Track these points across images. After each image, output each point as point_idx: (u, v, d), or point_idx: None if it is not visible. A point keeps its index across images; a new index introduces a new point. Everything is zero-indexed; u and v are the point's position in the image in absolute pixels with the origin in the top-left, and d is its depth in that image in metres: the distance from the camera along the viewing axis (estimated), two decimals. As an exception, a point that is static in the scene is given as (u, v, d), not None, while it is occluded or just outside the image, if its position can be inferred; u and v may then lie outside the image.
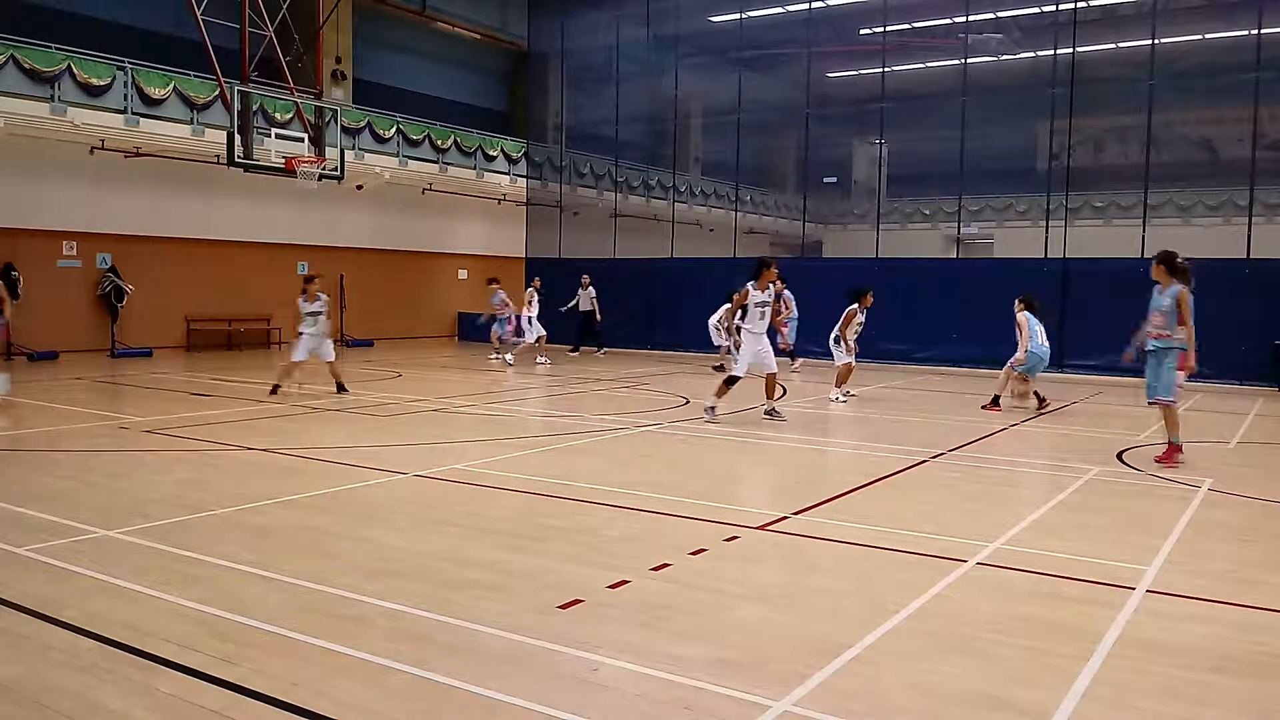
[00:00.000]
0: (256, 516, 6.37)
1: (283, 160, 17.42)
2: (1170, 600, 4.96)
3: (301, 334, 13.00)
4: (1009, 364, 13.19)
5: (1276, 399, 15.43)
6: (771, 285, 11.41)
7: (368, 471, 7.96)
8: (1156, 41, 19.11)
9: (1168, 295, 8.85)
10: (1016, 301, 13.45)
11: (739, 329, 11.53)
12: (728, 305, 18.36)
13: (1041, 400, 13.17)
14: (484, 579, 5.06)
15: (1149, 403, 9.31)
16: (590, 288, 22.22)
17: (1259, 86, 17.97)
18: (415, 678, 3.76)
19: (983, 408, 13.04)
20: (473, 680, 3.73)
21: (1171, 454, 9.06)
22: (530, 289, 20.32)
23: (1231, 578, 5.38)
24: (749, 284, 11.26)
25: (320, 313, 13.04)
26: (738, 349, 11.62)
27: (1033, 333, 12.97)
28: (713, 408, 11.31)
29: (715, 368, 18.26)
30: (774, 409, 11.47)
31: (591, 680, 3.79)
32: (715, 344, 18.55)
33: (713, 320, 18.23)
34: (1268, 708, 3.72)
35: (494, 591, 4.86)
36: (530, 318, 19.63)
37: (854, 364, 14.20)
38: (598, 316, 21.96)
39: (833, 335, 14.03)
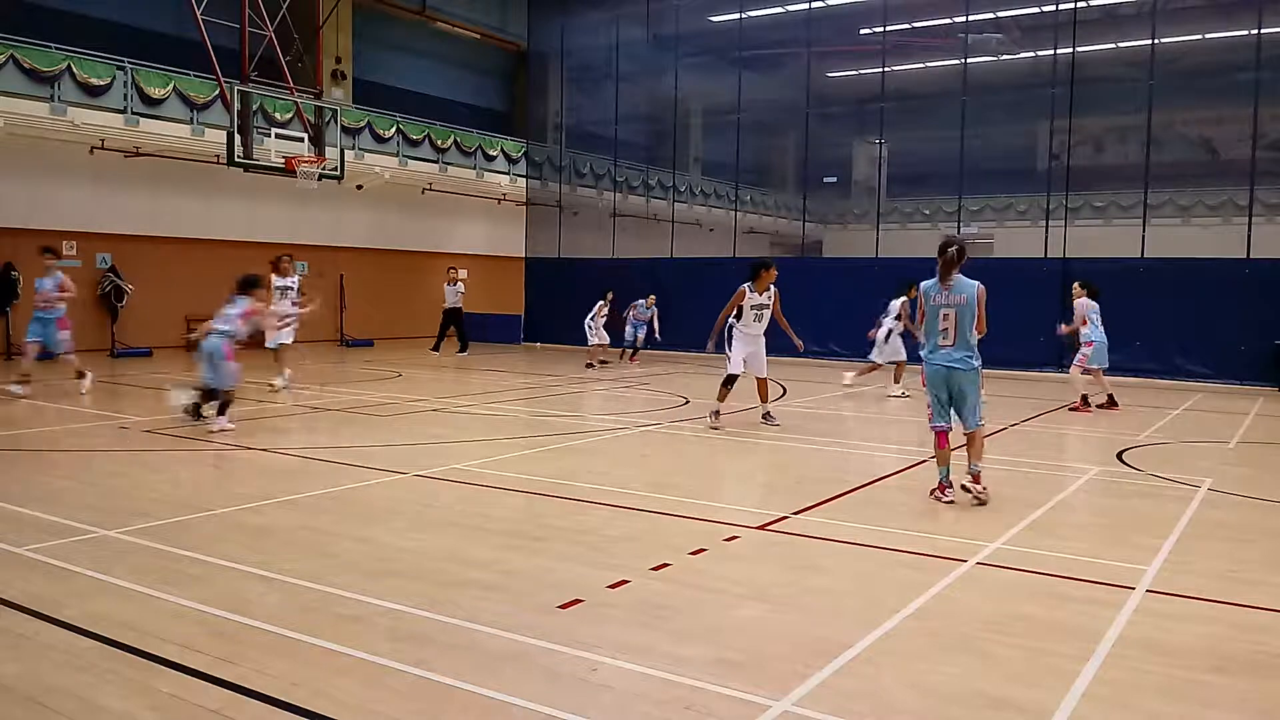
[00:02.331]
0: (256, 516, 6.37)
1: (283, 160, 17.43)
2: (1170, 600, 4.96)
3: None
4: (1077, 360, 13.18)
5: (1276, 399, 15.43)
6: (771, 288, 10.96)
7: (368, 471, 7.96)
8: (1157, 41, 19.11)
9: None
10: (1075, 286, 13.53)
11: (730, 329, 11.05)
12: (601, 302, 19.06)
13: (1110, 399, 13.33)
14: (484, 579, 5.06)
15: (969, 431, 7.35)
16: (459, 283, 21.27)
17: (1259, 86, 17.98)
18: (415, 678, 3.76)
19: (1070, 409, 12.92)
20: (473, 680, 3.73)
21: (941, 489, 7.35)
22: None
23: (1231, 578, 5.39)
24: (745, 285, 10.86)
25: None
26: (728, 348, 11.16)
27: (1093, 322, 13.04)
28: (716, 412, 10.97)
29: (588, 365, 18.83)
30: (769, 413, 11.17)
31: (591, 680, 3.79)
32: (589, 341, 19.35)
33: (587, 319, 19.26)
34: (1268, 708, 3.72)
35: (494, 591, 4.86)
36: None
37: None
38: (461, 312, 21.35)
39: (892, 330, 14.31)
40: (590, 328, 19.31)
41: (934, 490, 7.31)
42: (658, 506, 6.89)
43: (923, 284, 7.39)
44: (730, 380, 11.02)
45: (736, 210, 25.57)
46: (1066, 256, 18.92)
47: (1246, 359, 16.94)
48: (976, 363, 7.19)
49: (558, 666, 3.91)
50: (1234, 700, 3.75)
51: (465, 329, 21.62)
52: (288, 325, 13.55)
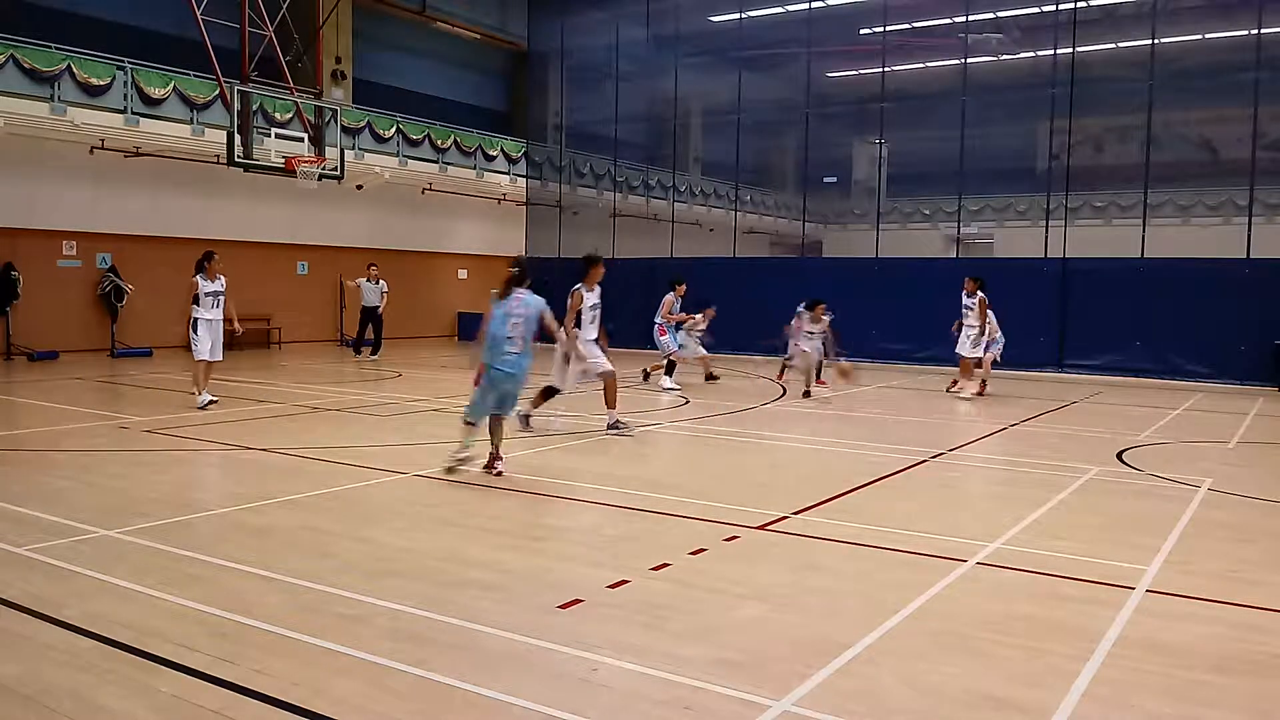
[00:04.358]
0: (256, 516, 6.37)
1: (283, 160, 17.42)
2: (1170, 600, 4.96)
3: None
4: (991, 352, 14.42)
5: (1277, 399, 15.43)
6: (598, 287, 10.04)
7: (368, 471, 7.96)
8: (1156, 41, 19.11)
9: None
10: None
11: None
12: (672, 295, 14.98)
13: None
14: (484, 579, 5.06)
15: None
16: (380, 280, 20.03)
17: (1259, 86, 17.98)
18: (415, 677, 3.76)
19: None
20: (473, 680, 3.73)
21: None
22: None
23: (1231, 578, 5.39)
24: (579, 286, 9.97)
25: None
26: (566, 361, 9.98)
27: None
28: (527, 416, 10.00)
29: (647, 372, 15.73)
30: (619, 422, 10.13)
31: (591, 680, 3.79)
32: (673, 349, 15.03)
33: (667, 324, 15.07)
34: (1268, 708, 3.72)
35: (494, 591, 4.86)
36: None
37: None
38: (380, 312, 19.95)
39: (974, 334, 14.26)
40: (667, 332, 15.01)
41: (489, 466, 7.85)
42: (658, 506, 6.89)
43: (494, 298, 8.00)
44: (551, 392, 10.12)
45: (736, 210, 25.59)
46: (1066, 256, 18.92)
47: (1246, 359, 16.93)
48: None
49: (558, 666, 3.91)
50: (1234, 700, 3.75)
51: (382, 331, 20.19)
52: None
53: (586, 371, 10.02)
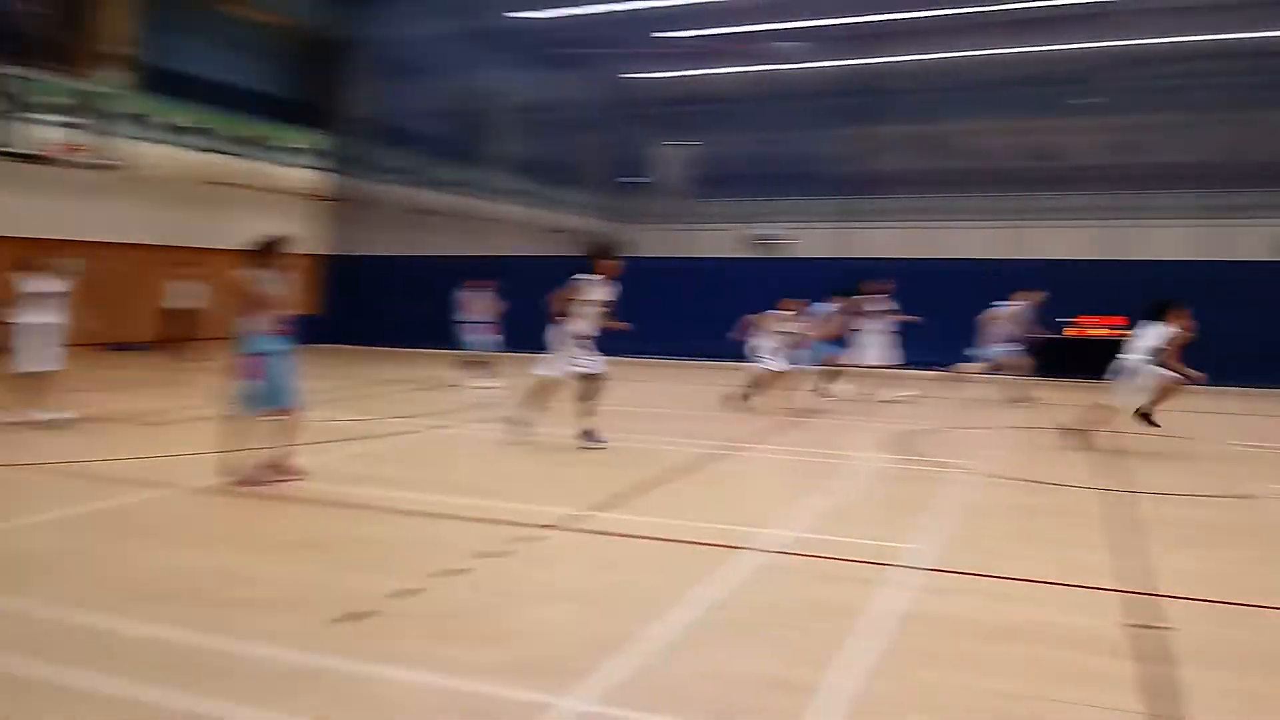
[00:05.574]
0: (10, 541, 5.73)
1: (44, 148, 15.94)
2: (944, 576, 5.27)
3: None
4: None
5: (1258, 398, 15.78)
6: (613, 282, 9.62)
7: (131, 486, 7.30)
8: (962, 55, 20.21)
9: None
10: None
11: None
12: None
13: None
14: (264, 595, 4.74)
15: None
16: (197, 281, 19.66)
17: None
18: (185, 710, 3.44)
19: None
20: (252, 702, 3.46)
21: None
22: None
23: (998, 553, 5.82)
24: (581, 275, 9.41)
25: None
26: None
27: None
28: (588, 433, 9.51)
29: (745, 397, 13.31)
30: (590, 433, 9.53)
31: (376, 695, 3.60)
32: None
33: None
34: (1035, 670, 3.99)
35: (275, 607, 4.55)
36: None
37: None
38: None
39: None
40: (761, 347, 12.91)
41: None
42: (453, 510, 6.68)
43: None
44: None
45: (540, 208, 25.45)
46: (879, 257, 19.81)
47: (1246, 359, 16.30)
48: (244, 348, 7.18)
49: (341, 683, 3.69)
50: (1004, 666, 4.01)
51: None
52: None
53: (569, 370, 9.41)
